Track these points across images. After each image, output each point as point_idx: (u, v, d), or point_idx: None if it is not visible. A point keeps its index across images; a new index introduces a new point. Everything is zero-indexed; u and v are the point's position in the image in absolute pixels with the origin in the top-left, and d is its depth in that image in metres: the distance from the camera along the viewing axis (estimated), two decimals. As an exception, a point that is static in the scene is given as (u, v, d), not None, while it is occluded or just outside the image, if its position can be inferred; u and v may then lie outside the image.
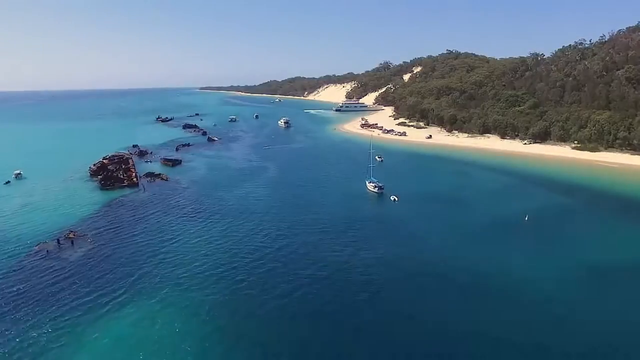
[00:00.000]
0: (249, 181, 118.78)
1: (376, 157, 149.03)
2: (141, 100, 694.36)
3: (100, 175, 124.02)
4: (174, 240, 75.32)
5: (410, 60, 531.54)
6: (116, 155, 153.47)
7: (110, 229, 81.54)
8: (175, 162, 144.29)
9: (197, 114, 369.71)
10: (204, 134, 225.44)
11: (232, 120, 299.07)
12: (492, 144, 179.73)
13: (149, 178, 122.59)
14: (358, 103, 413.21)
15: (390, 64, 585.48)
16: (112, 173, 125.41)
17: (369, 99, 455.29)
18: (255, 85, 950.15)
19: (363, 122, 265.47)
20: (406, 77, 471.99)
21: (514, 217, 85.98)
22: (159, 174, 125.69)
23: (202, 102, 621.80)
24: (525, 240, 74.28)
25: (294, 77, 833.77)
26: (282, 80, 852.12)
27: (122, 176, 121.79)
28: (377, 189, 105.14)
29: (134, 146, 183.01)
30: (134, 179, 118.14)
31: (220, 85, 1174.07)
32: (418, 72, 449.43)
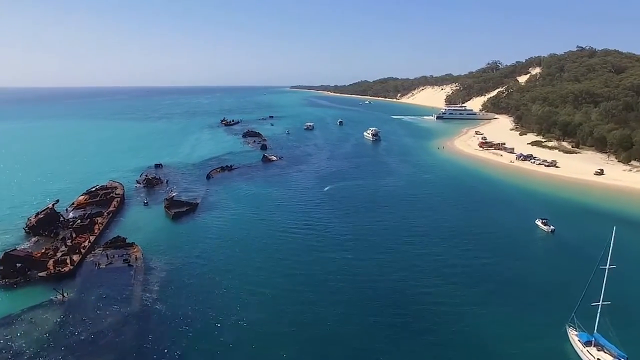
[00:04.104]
0: (282, 290, 55.09)
1: (538, 222, 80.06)
2: (223, 99, 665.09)
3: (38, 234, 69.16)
4: None
5: (525, 60, 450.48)
6: (105, 188, 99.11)
7: None
8: (182, 210, 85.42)
9: (270, 117, 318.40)
10: (263, 147, 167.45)
11: (308, 129, 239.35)
12: None
13: (108, 253, 64.28)
14: (465, 109, 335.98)
15: (500, 63, 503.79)
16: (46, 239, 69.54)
17: (474, 105, 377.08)
18: (345, 86, 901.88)
19: (481, 138, 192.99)
20: (521, 79, 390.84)
21: None
22: (130, 245, 67.11)
23: (285, 101, 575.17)
24: None
25: (385, 77, 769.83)
26: (373, 81, 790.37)
27: (48, 258, 64.41)
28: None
29: (156, 166, 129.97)
30: (68, 264, 60.14)
31: (311, 84, 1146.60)
32: (538, 73, 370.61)
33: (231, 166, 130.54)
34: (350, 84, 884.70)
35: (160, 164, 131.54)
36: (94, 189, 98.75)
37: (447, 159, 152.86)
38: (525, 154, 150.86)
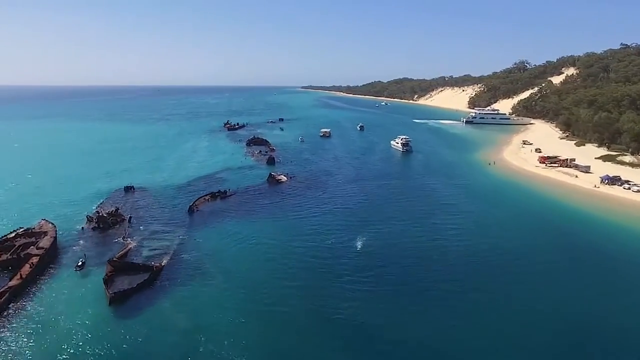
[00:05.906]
0: None
1: None
2: (232, 98, 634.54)
3: None
4: None
5: (557, 59, 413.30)
6: (29, 234, 66.05)
7: None
8: (130, 287, 51.72)
9: (281, 119, 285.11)
10: (270, 161, 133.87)
11: (324, 136, 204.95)
12: None
13: None
14: (497, 113, 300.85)
15: (528, 63, 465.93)
16: None
17: (501, 107, 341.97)
18: (358, 86, 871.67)
19: (535, 150, 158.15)
20: (556, 80, 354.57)
21: None
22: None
23: (297, 102, 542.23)
24: None
25: (400, 78, 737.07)
26: (388, 82, 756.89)
27: None
28: None
29: (126, 189, 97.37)
30: None
31: (323, 85, 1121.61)
32: (575, 73, 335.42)
33: (225, 192, 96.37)
34: (363, 85, 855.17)
35: (132, 187, 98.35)
36: (12, 234, 65.71)
37: (508, 181, 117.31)
38: (611, 176, 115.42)
